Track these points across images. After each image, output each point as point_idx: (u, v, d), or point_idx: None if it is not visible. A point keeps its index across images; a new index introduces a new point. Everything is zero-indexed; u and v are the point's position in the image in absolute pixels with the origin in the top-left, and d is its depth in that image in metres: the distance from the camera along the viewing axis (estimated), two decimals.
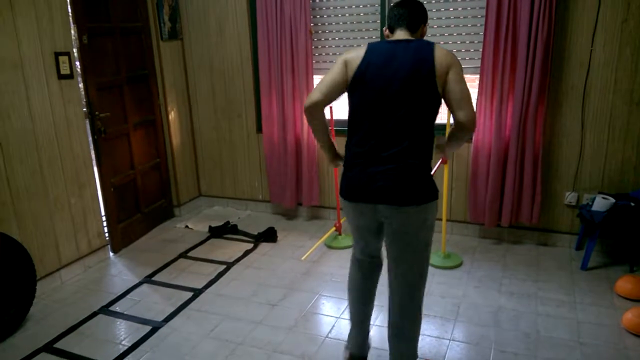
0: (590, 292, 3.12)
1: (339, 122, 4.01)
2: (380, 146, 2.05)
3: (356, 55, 2.08)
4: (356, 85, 2.07)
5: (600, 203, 3.33)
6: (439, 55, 1.99)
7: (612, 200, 3.31)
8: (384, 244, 2.26)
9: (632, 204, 3.27)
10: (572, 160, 3.60)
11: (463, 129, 2.04)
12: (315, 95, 2.09)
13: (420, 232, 2.11)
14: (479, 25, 3.61)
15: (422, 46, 2.03)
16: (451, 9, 3.66)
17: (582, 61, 3.41)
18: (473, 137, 3.68)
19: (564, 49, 3.44)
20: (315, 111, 2.13)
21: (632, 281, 3.06)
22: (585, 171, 3.58)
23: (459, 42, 3.72)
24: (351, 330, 2.48)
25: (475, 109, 2.05)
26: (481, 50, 3.53)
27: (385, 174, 2.03)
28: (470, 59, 3.67)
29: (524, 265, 3.50)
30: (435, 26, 3.72)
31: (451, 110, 2.04)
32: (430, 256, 2.94)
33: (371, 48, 2.09)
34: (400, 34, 2.11)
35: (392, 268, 2.20)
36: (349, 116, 2.16)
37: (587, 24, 3.34)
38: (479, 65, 3.57)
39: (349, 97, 2.14)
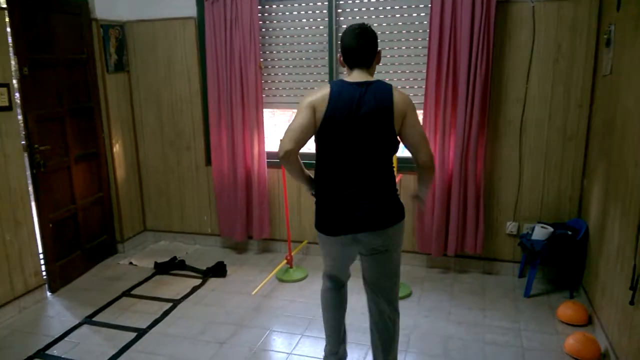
0: (534, 319, 3.22)
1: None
2: (352, 180, 2.20)
3: (321, 98, 2.16)
4: (326, 126, 2.17)
5: (540, 232, 3.48)
6: (397, 100, 2.15)
7: (551, 229, 3.47)
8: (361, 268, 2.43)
9: (569, 233, 3.44)
10: (512, 192, 3.76)
11: (425, 168, 2.25)
12: (287, 145, 2.15)
13: (397, 249, 2.34)
14: (421, 63, 3.77)
15: (382, 89, 2.17)
16: (395, 48, 3.80)
17: (518, 98, 3.61)
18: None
19: (502, 86, 3.63)
20: (290, 159, 2.21)
21: (572, 307, 3.19)
22: (524, 202, 3.75)
23: (403, 79, 3.85)
24: (326, 345, 2.61)
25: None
26: (424, 87, 3.68)
27: (362, 203, 2.19)
28: (414, 95, 3.80)
29: (471, 294, 3.58)
30: (380, 64, 3.84)
31: (411, 152, 2.24)
32: None
33: (335, 90, 2.17)
34: (357, 75, 2.22)
35: (375, 289, 2.38)
36: (318, 154, 2.27)
37: (522, 63, 3.56)
38: (423, 101, 3.70)
39: (318, 137, 2.22)
